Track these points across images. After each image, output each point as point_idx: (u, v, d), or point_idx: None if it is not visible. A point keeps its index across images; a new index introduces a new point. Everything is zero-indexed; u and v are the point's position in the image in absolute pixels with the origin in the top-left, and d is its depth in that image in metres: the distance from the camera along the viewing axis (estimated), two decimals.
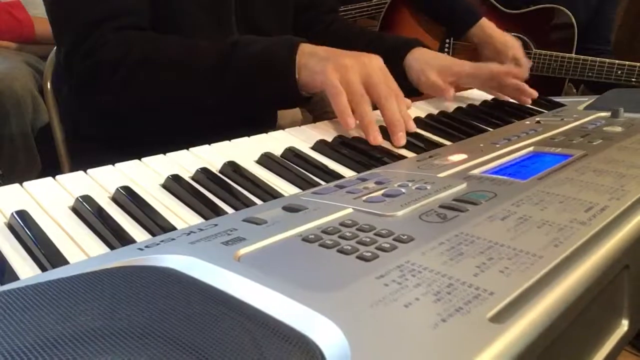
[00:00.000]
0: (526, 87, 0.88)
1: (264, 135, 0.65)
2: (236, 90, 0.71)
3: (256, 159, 0.58)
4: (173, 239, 0.36)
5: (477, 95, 0.92)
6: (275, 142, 0.63)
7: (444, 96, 0.85)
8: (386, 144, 0.66)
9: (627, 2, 2.07)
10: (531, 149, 0.57)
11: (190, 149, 0.59)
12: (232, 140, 0.62)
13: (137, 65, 0.72)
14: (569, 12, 1.48)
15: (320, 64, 0.67)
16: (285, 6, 0.95)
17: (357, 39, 0.97)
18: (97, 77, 0.74)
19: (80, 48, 0.74)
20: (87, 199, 0.46)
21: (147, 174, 0.52)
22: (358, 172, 0.55)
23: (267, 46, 0.70)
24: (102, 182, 0.50)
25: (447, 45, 1.55)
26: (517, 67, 1.45)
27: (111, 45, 0.72)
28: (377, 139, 0.65)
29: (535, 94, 0.88)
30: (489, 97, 0.91)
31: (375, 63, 0.69)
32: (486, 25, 1.44)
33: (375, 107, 0.68)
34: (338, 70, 0.66)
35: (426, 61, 0.87)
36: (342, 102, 0.65)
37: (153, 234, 0.42)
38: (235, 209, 0.47)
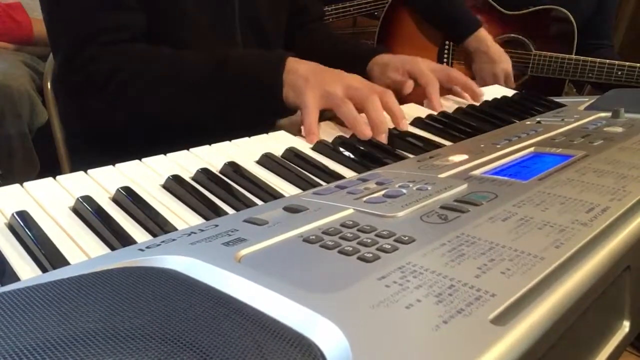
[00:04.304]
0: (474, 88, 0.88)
1: (264, 135, 0.65)
2: (224, 106, 0.73)
3: (256, 159, 0.58)
4: (174, 240, 0.36)
5: (489, 92, 0.91)
6: (275, 142, 0.63)
7: (403, 89, 0.86)
8: (387, 144, 0.66)
9: (635, 1, 2.07)
10: (532, 149, 0.57)
11: (190, 149, 0.59)
12: (232, 141, 0.62)
13: (127, 81, 0.74)
14: (568, 13, 1.48)
15: (299, 83, 0.69)
16: (283, 6, 0.96)
17: (332, 49, 1.01)
18: (88, 92, 0.76)
19: (72, 62, 0.75)
20: (87, 199, 0.45)
21: (147, 174, 0.52)
22: (359, 173, 0.55)
23: (255, 64, 0.72)
24: (102, 182, 0.50)
25: (446, 47, 1.55)
26: (506, 81, 1.49)
27: (102, 61, 0.74)
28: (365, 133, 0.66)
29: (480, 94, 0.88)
30: (496, 94, 0.91)
31: (355, 78, 0.71)
32: (483, 34, 1.46)
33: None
34: (317, 90, 0.68)
35: (385, 63, 0.90)
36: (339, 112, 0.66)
37: (154, 235, 0.42)
38: (236, 209, 0.47)
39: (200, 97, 0.73)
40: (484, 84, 1.49)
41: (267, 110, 0.72)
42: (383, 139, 0.67)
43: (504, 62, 1.46)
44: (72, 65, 0.75)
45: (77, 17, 0.74)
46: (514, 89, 0.99)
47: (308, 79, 0.68)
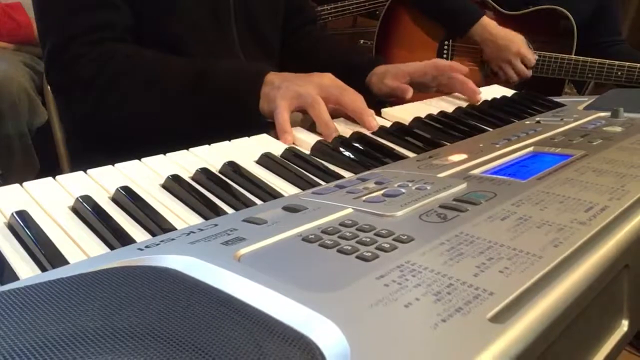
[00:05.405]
0: (471, 83, 0.89)
1: (264, 135, 0.65)
2: (203, 115, 0.73)
3: (256, 159, 0.58)
4: (173, 239, 0.36)
5: (489, 92, 0.91)
6: (275, 142, 0.63)
7: (404, 96, 0.87)
8: (386, 144, 0.66)
9: (638, 2, 2.06)
10: (531, 149, 0.57)
11: (190, 149, 0.59)
12: (232, 140, 0.62)
13: (111, 82, 0.74)
14: (568, 13, 1.48)
15: (273, 92, 0.69)
16: (279, 6, 0.97)
17: (326, 54, 1.02)
18: (72, 91, 0.76)
19: (57, 60, 0.75)
20: (87, 199, 0.46)
21: (147, 174, 0.52)
22: (358, 172, 0.55)
23: (234, 76, 0.73)
24: (102, 182, 0.50)
25: (445, 46, 1.55)
26: (523, 63, 1.44)
27: (87, 60, 0.74)
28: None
29: (478, 92, 0.89)
30: (496, 94, 0.91)
31: (326, 77, 0.72)
32: (487, 23, 1.43)
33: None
34: (288, 93, 0.68)
35: (382, 72, 0.91)
36: (283, 119, 0.67)
37: (153, 234, 0.42)
38: (235, 209, 0.47)
39: (180, 105, 0.74)
40: (504, 75, 1.45)
41: (243, 122, 0.73)
42: (370, 121, 0.69)
43: (514, 44, 1.41)
44: (58, 64, 0.75)
45: (64, 15, 0.74)
46: (514, 88, 0.99)
47: (280, 87, 0.69)
